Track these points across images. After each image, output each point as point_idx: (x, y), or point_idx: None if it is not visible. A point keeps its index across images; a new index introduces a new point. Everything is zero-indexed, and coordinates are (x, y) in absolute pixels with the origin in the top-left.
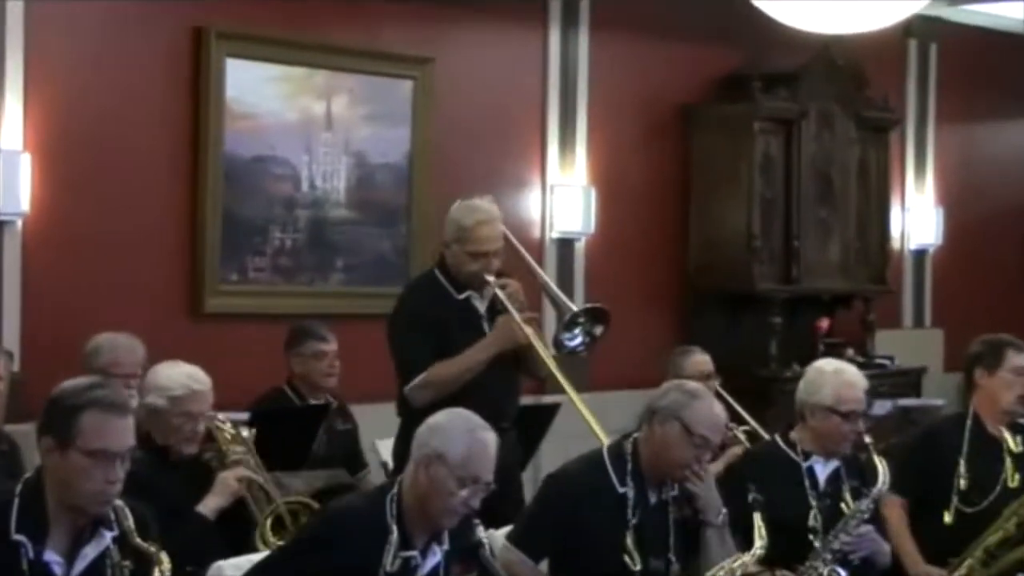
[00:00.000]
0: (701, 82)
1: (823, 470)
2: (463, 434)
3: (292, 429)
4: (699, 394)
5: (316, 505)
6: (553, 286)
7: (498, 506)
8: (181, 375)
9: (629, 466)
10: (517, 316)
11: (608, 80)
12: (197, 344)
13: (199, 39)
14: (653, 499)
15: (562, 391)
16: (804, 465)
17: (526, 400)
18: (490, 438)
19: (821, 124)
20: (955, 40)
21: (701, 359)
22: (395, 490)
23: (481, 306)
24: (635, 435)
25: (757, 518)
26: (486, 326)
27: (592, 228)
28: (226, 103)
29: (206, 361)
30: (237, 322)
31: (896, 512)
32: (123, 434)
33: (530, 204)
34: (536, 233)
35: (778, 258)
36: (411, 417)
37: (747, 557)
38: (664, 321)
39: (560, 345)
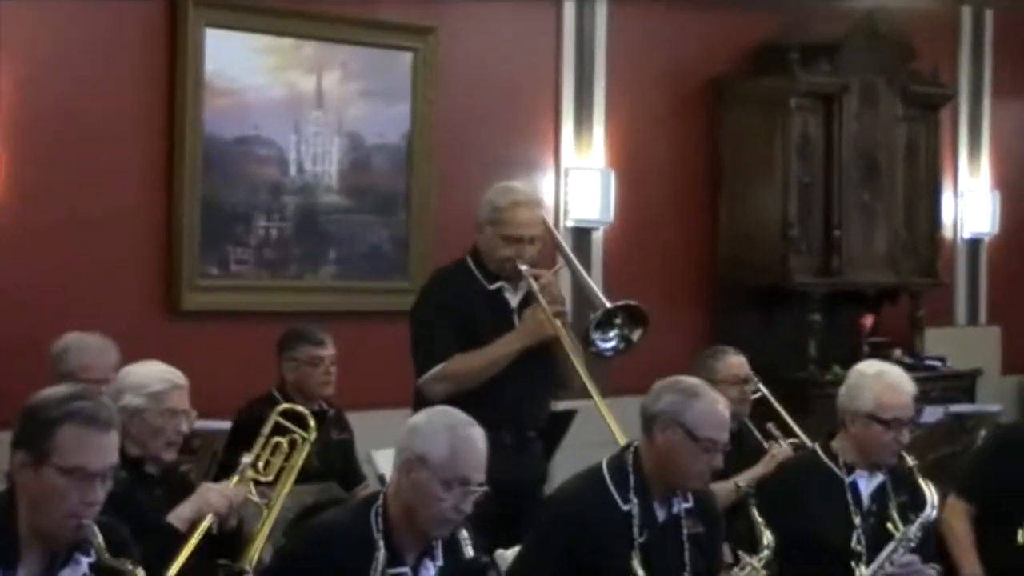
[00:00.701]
0: (732, 54)
1: (867, 485)
2: (444, 431)
3: None
4: (697, 391)
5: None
6: (590, 281)
7: (520, 525)
8: (159, 370)
9: (631, 480)
10: (546, 308)
11: (629, 51)
12: (173, 345)
13: (175, 7)
14: (661, 515)
15: (581, 396)
16: (847, 480)
17: None
18: (476, 434)
19: (864, 100)
20: (1013, 5)
21: (736, 361)
22: (380, 501)
23: (513, 299)
24: (635, 444)
25: (754, 513)
26: (517, 321)
27: (611, 216)
28: (205, 78)
29: (183, 364)
30: (218, 321)
31: (961, 521)
32: (104, 451)
33: (542, 189)
34: (549, 222)
35: (817, 249)
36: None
37: (755, 561)
38: (691, 319)
39: (590, 344)
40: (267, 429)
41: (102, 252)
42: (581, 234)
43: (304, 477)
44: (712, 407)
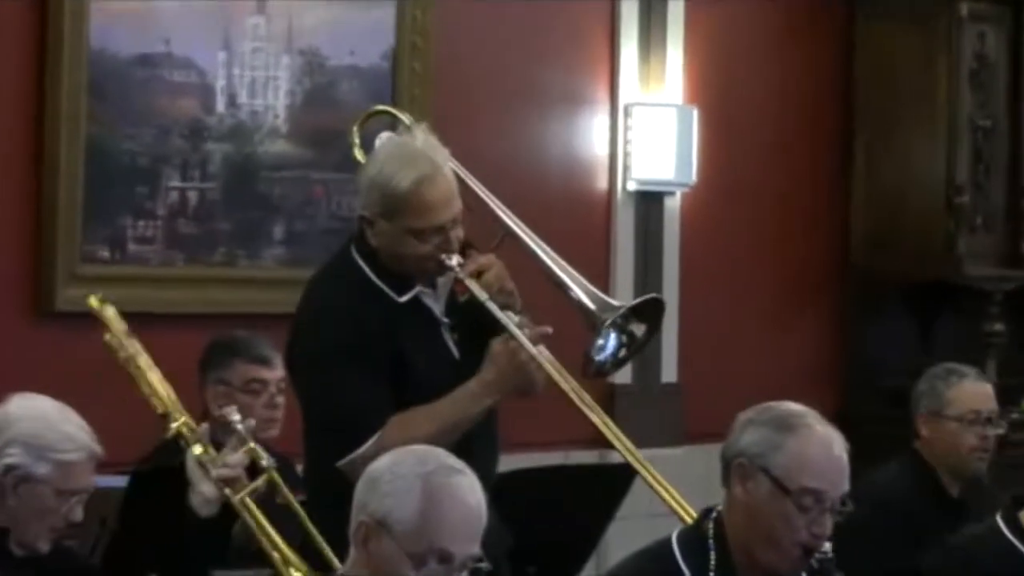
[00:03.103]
0: None
1: None
2: (414, 483)
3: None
4: (791, 422)
5: None
6: (552, 260)
7: None
8: (72, 424)
9: (712, 558)
10: (523, 338)
11: None
12: (42, 361)
13: None
14: None
15: (640, 445)
16: None
17: (587, 456)
18: (463, 485)
19: None
20: None
21: (979, 390)
22: None
23: (435, 305)
24: (718, 508)
25: None
26: (449, 340)
27: (692, 175)
28: None
29: (58, 390)
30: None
31: None
32: None
33: (592, 137)
34: (602, 183)
35: (998, 225)
36: (340, 503)
37: None
38: (812, 327)
39: (592, 365)
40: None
41: None
42: (648, 201)
43: (242, 557)
44: (813, 443)
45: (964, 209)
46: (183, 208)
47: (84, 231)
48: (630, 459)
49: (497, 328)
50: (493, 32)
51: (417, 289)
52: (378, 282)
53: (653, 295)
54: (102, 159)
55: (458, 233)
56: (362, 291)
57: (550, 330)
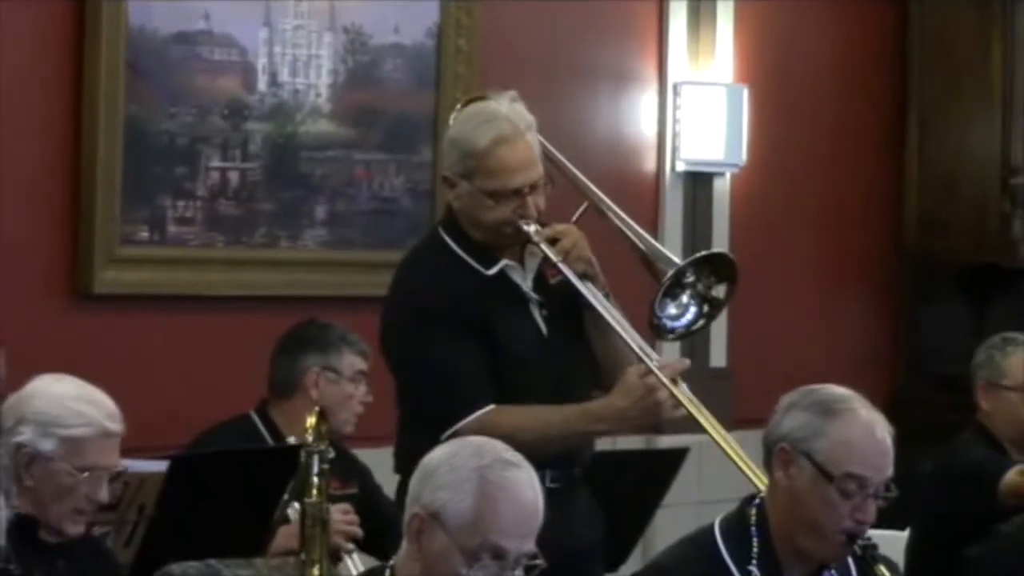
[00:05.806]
0: None
1: None
2: (469, 476)
3: (246, 485)
4: (834, 406)
5: None
6: (638, 229)
7: None
8: (83, 400)
9: (755, 544)
10: (656, 367)
11: None
12: (80, 344)
13: None
14: None
15: (689, 428)
16: None
17: (634, 442)
18: (519, 480)
19: None
20: None
21: None
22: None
23: (523, 281)
24: (761, 495)
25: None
26: (538, 315)
27: (743, 156)
28: None
29: (96, 372)
30: (148, 309)
31: None
32: None
33: (640, 116)
34: (650, 164)
35: None
36: None
37: None
38: (863, 310)
39: (660, 328)
40: None
41: None
42: (697, 182)
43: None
44: (857, 428)
45: (1020, 190)
46: (223, 189)
47: (123, 212)
48: (719, 438)
49: (581, 301)
50: (539, 9)
51: (503, 263)
52: (464, 256)
53: (719, 251)
54: (141, 139)
55: (538, 201)
56: (450, 264)
57: (688, 363)
